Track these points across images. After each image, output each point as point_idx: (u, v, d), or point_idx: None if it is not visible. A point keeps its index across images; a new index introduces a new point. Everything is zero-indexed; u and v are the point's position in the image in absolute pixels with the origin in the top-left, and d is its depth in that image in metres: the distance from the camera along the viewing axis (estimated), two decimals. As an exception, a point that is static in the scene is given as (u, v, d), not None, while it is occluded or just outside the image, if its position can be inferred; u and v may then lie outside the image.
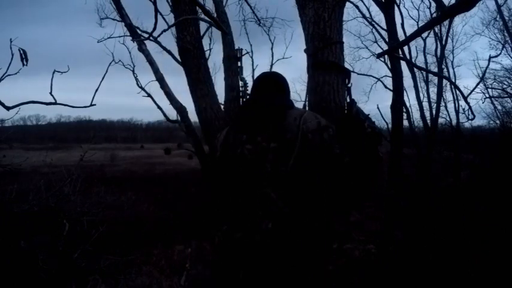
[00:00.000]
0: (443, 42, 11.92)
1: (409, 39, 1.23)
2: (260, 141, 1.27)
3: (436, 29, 11.83)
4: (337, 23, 1.87)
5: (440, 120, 12.24)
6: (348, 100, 1.77)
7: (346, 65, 1.98)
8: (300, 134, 1.24)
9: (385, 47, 10.42)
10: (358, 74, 11.92)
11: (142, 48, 3.56)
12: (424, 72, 12.29)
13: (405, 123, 9.89)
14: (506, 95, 11.13)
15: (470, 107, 2.03)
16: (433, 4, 10.38)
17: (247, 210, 1.23)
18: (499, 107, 11.43)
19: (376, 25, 11.36)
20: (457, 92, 10.81)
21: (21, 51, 1.81)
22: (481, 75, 10.33)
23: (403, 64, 9.64)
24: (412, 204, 5.37)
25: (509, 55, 10.83)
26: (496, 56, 10.31)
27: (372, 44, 14.12)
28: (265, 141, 1.26)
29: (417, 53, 13.60)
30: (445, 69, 12.48)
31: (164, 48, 8.07)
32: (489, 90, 11.09)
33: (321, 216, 1.26)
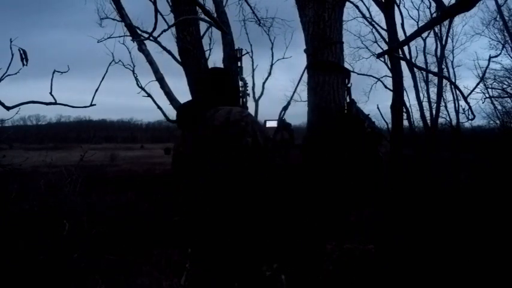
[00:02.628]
0: (443, 42, 11.93)
1: (409, 39, 1.24)
2: (188, 139, 1.42)
3: (436, 29, 11.84)
4: (337, 23, 1.87)
5: (440, 120, 12.26)
6: (348, 100, 1.77)
7: (346, 65, 1.98)
8: (208, 132, 1.33)
9: (385, 47, 10.43)
10: (358, 74, 11.93)
11: (142, 48, 3.56)
12: (424, 72, 12.31)
13: (405, 123, 9.89)
14: (506, 95, 11.13)
15: (470, 107, 2.04)
16: (433, 4, 10.39)
17: (184, 198, 1.40)
18: (499, 107, 11.43)
19: (376, 25, 11.38)
20: (457, 92, 10.82)
21: (21, 51, 1.82)
22: (481, 75, 10.34)
23: (403, 64, 9.64)
24: (411, 204, 5.38)
25: (509, 55, 10.84)
26: (496, 56, 10.29)
27: (372, 44, 14.10)
28: (191, 140, 1.40)
29: (417, 53, 13.60)
30: (445, 69, 12.48)
31: (164, 48, 8.06)
32: (489, 90, 11.11)
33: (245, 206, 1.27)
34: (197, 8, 2.95)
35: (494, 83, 11.21)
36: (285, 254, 1.32)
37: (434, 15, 10.32)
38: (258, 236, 1.23)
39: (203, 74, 1.66)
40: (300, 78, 1.94)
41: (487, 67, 9.47)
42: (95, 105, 2.35)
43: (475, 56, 20.91)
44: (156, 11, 1.65)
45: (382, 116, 8.99)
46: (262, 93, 12.35)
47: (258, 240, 1.23)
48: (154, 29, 1.68)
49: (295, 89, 1.95)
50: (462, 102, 12.26)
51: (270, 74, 12.13)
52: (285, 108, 1.86)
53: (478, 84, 10.23)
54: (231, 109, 1.35)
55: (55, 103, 2.13)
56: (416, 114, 13.98)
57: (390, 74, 9.52)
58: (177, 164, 1.47)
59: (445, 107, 12.58)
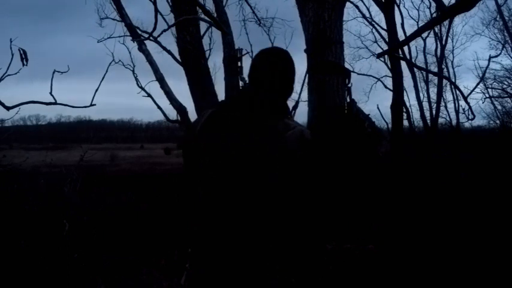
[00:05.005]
0: (443, 42, 11.95)
1: (409, 39, 1.24)
2: (241, 144, 1.19)
3: (436, 29, 11.86)
4: (337, 23, 1.87)
5: (440, 120, 12.29)
6: (348, 100, 1.77)
7: (346, 65, 1.98)
8: (278, 153, 1.16)
9: (385, 47, 10.43)
10: (358, 74, 11.97)
11: (142, 48, 3.56)
12: (424, 72, 12.33)
13: (405, 123, 9.91)
14: (506, 95, 11.16)
15: (470, 107, 2.04)
16: (433, 4, 10.38)
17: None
18: (499, 107, 11.47)
19: (376, 25, 11.41)
20: (457, 92, 10.84)
21: (21, 51, 1.82)
22: (481, 75, 10.36)
23: (403, 64, 9.65)
24: (412, 204, 5.38)
25: (509, 55, 10.86)
26: (496, 56, 10.32)
27: (372, 44, 14.14)
28: (246, 146, 1.19)
29: (417, 53, 13.63)
30: (445, 69, 12.51)
31: (164, 48, 8.07)
32: (489, 90, 11.14)
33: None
34: (197, 8, 2.95)
35: (494, 83, 11.25)
36: (294, 257, 1.29)
37: (434, 15, 10.32)
38: (274, 237, 1.21)
39: (262, 55, 1.32)
40: (304, 80, 1.94)
41: (487, 67, 9.50)
42: (94, 105, 2.36)
43: (475, 56, 20.97)
44: (156, 11, 1.65)
45: (382, 116, 8.99)
46: (262, 93, 12.34)
47: (273, 242, 1.20)
48: (154, 29, 1.68)
49: (301, 90, 1.95)
50: (462, 102, 12.29)
51: (270, 74, 12.13)
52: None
53: (478, 84, 10.27)
54: (302, 132, 1.18)
55: (55, 103, 2.13)
56: (416, 114, 14.00)
57: (390, 74, 9.54)
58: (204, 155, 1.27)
59: (445, 107, 12.63)
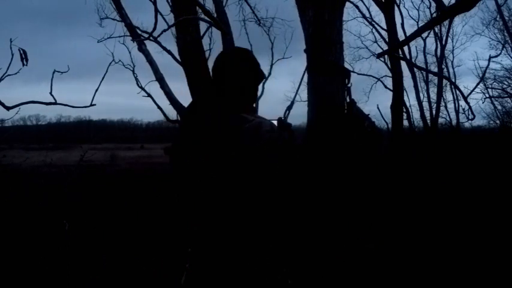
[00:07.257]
0: (443, 42, 11.95)
1: (409, 39, 1.24)
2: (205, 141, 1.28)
3: (436, 29, 11.85)
4: (336, 23, 1.87)
5: (440, 120, 12.29)
6: (348, 100, 1.77)
7: (346, 65, 1.98)
8: (255, 146, 1.21)
9: (385, 47, 10.43)
10: (358, 74, 11.98)
11: (142, 48, 3.57)
12: (424, 72, 12.32)
13: (405, 123, 9.91)
14: (506, 95, 11.16)
15: (470, 107, 2.04)
16: (433, 4, 10.38)
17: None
18: (499, 107, 11.47)
19: (376, 25, 11.41)
20: (457, 92, 10.84)
21: (21, 51, 1.82)
22: (481, 75, 10.35)
23: (403, 64, 9.65)
24: (412, 204, 5.38)
25: (509, 55, 10.86)
26: (496, 56, 10.31)
27: (372, 44, 14.17)
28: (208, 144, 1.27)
29: (417, 53, 13.64)
30: (445, 69, 12.50)
31: (164, 48, 8.08)
32: (489, 90, 11.14)
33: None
34: (197, 8, 2.95)
35: (494, 83, 11.26)
36: (293, 257, 1.30)
37: (434, 15, 10.32)
38: (270, 238, 1.21)
39: (219, 64, 1.34)
40: (301, 79, 1.94)
41: (487, 67, 9.48)
42: (94, 105, 2.36)
43: (475, 56, 20.91)
44: (156, 11, 1.65)
45: (382, 116, 8.99)
46: (262, 93, 12.35)
47: (270, 243, 1.21)
48: (154, 29, 1.68)
49: (297, 89, 1.96)
50: (462, 102, 12.27)
51: (270, 74, 12.16)
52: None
53: (478, 84, 10.26)
54: (261, 124, 1.21)
55: (55, 103, 2.13)
56: (416, 114, 13.99)
57: (390, 74, 9.53)
58: (186, 164, 1.34)
59: (445, 107, 12.63)
